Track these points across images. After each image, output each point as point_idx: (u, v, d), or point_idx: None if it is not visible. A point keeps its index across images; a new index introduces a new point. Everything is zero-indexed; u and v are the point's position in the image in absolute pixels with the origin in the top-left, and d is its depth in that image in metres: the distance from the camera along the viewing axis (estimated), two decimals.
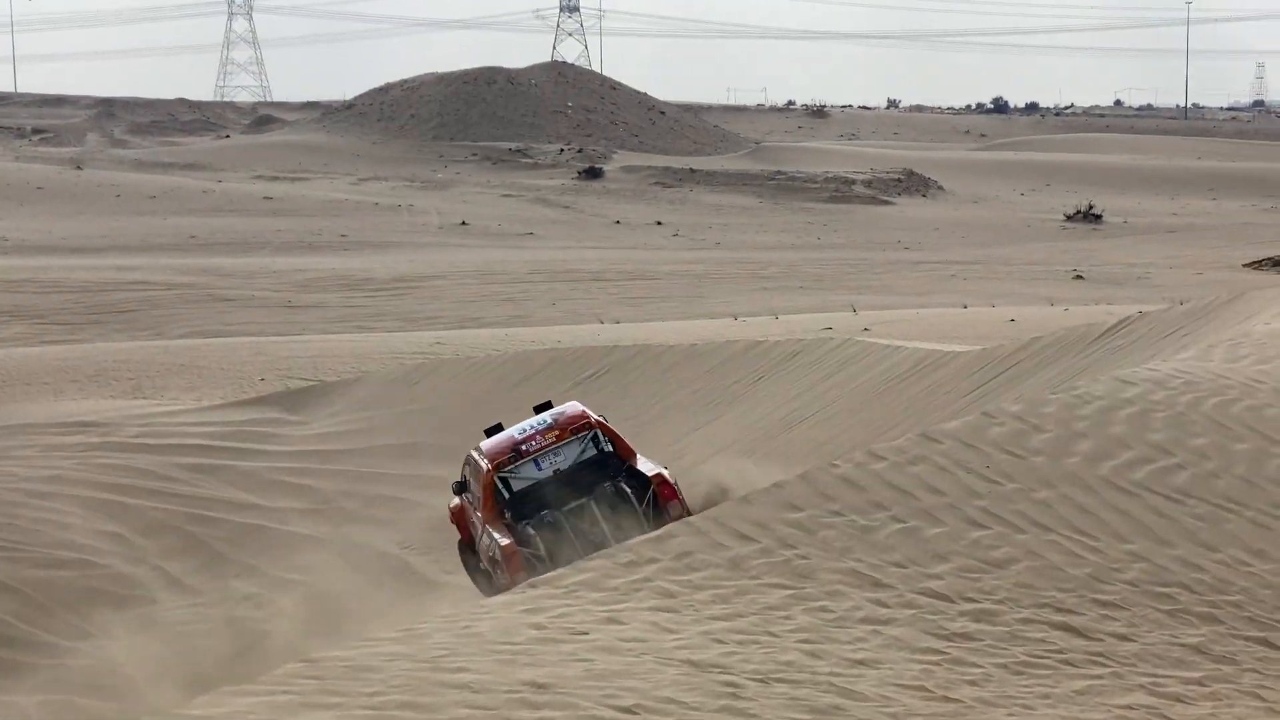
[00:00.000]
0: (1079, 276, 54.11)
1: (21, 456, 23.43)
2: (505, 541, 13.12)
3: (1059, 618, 8.43)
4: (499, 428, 14.41)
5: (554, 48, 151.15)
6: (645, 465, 13.78)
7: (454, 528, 15.45)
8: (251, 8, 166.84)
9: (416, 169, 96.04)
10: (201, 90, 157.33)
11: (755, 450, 18.09)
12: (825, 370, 21.34)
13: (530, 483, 13.56)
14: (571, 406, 14.28)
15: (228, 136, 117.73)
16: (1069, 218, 76.46)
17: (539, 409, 14.36)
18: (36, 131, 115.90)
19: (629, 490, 13.29)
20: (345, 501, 21.73)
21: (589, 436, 13.71)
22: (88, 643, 17.96)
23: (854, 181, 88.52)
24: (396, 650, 7.09)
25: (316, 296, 48.87)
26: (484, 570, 14.65)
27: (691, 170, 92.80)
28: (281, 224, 70.48)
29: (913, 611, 8.31)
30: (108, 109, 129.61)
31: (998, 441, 10.58)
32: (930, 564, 8.91)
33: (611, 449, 13.73)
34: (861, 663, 7.59)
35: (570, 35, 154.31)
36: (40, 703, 16.77)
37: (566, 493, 13.32)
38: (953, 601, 8.49)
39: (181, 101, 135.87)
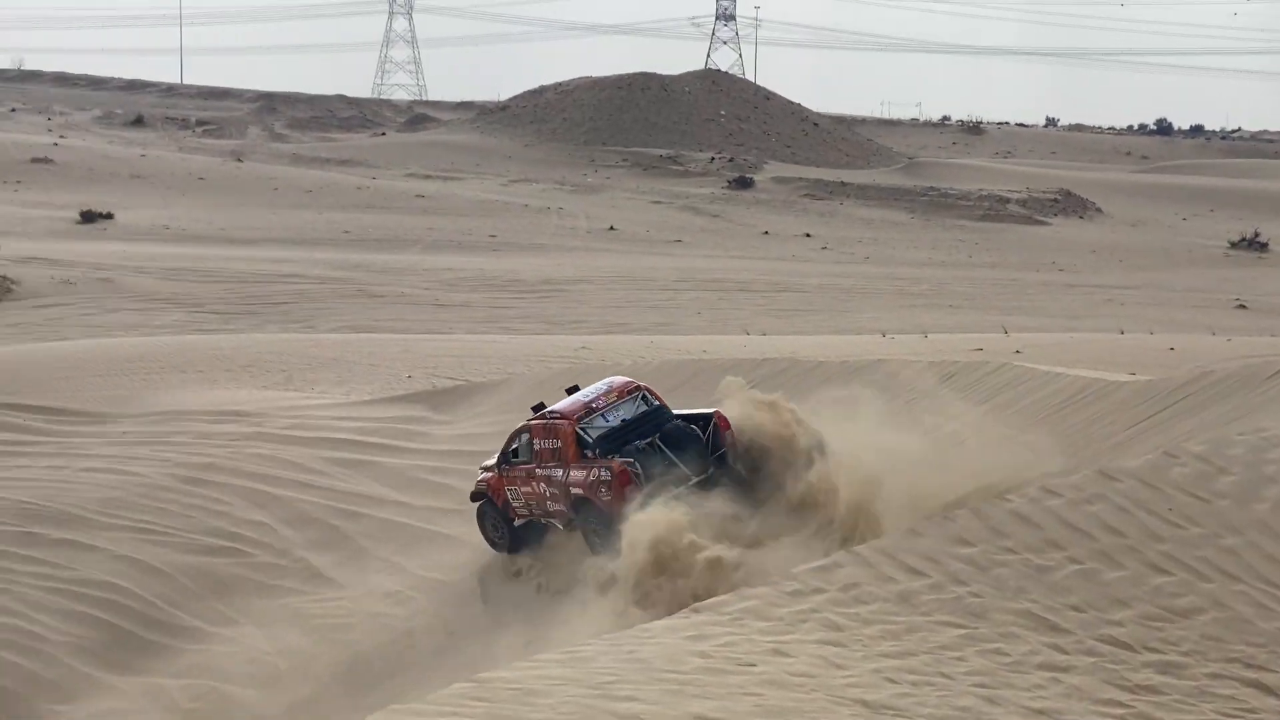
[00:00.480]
0: (1242, 306, 52.42)
1: (176, 442, 23.86)
2: (614, 462, 15.79)
3: (1250, 674, 7.96)
4: (542, 405, 17.37)
5: (708, 56, 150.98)
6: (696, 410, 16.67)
7: (483, 513, 18.04)
8: (411, 7, 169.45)
9: (567, 172, 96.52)
10: (360, 87, 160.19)
11: None
12: (982, 394, 20.75)
13: (606, 429, 16.38)
14: (618, 377, 17.38)
15: (383, 134, 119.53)
16: (1233, 245, 74.18)
17: (570, 391, 17.32)
18: (200, 123, 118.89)
19: (694, 426, 16.08)
20: None
21: (639, 395, 16.72)
22: (232, 629, 18.17)
23: (1009, 200, 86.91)
24: (562, 674, 6.87)
25: (464, 296, 49.26)
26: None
27: (843, 183, 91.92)
28: (432, 222, 71.28)
29: (1093, 659, 7.90)
30: (269, 103, 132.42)
31: (1180, 483, 10.07)
32: (1110, 609, 8.48)
33: (658, 404, 16.66)
34: (1042, 713, 7.21)
35: (725, 43, 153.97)
36: (184, 686, 16.98)
37: (640, 433, 16.18)
38: (1135, 651, 8.06)
39: (340, 98, 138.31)
